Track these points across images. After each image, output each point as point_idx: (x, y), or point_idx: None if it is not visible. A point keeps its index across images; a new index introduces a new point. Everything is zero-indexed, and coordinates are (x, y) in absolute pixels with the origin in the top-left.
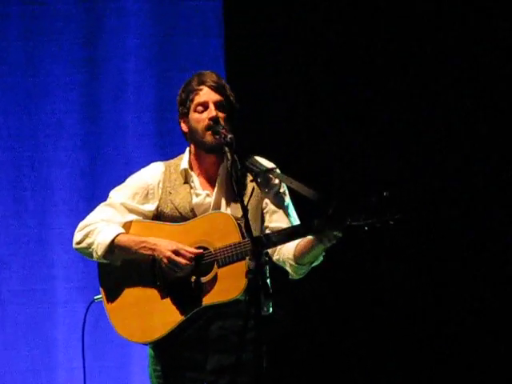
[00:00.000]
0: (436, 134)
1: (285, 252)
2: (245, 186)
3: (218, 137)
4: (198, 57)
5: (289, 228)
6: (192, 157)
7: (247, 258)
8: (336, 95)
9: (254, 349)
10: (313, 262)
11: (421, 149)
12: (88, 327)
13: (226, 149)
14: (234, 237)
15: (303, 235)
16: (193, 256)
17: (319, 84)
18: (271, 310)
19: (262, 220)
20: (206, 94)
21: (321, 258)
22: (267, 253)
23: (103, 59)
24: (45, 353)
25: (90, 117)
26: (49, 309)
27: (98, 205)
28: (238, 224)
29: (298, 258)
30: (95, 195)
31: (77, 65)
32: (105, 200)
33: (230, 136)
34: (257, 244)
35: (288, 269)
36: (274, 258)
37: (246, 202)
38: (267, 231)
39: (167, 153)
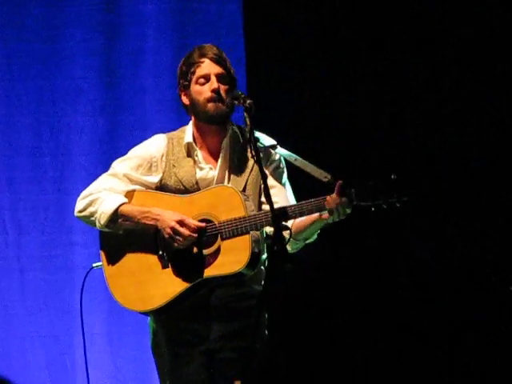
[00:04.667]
0: (444, 121)
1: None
2: (246, 161)
3: (237, 101)
4: (215, 23)
5: (301, 204)
6: (194, 129)
7: (251, 232)
8: (350, 75)
9: (259, 314)
10: (307, 239)
11: (428, 134)
12: (107, 293)
13: (245, 114)
14: (239, 211)
15: (315, 211)
16: (196, 228)
17: (337, 56)
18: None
19: (260, 195)
20: (208, 67)
21: (315, 236)
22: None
23: (122, 25)
24: (64, 318)
25: (108, 82)
26: (68, 274)
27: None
28: (243, 198)
29: (295, 232)
30: (114, 160)
31: (95, 30)
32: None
33: (248, 101)
34: (276, 211)
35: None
36: (268, 230)
37: (246, 177)
38: (263, 206)
39: (186, 117)
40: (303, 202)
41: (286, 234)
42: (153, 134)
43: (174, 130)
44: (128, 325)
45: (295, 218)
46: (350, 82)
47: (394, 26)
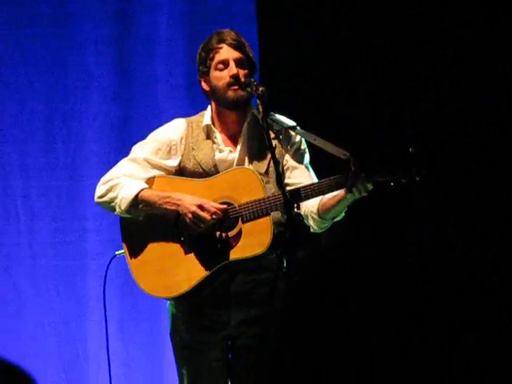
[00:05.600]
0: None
1: (308, 206)
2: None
3: (249, 89)
4: (228, 10)
5: (320, 182)
6: (214, 114)
7: (272, 213)
8: (364, 49)
9: (281, 300)
10: (335, 218)
11: (428, 134)
12: (119, 280)
13: (258, 101)
14: (259, 193)
15: (334, 189)
16: (217, 211)
17: (349, 39)
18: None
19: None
20: (226, 52)
21: (342, 214)
22: (298, 206)
23: (134, 12)
24: (76, 304)
25: (120, 69)
26: (80, 261)
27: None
28: (262, 180)
29: (322, 212)
30: (126, 147)
31: (108, 17)
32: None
33: (261, 88)
34: (289, 197)
35: (310, 222)
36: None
37: (268, 160)
38: (288, 188)
39: (198, 104)
40: (316, 181)
41: (313, 214)
42: (165, 121)
43: (187, 116)
44: (140, 312)
45: (309, 198)
46: (364, 69)
47: (394, 26)
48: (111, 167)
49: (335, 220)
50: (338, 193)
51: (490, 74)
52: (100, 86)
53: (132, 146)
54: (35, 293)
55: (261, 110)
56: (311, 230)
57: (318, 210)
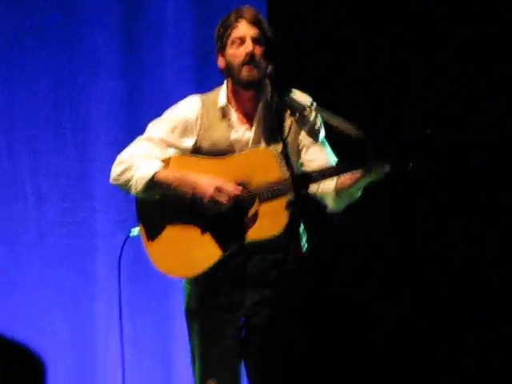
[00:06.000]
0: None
1: (325, 185)
2: (283, 121)
3: (257, 69)
4: None
5: (337, 166)
6: (229, 92)
7: (288, 194)
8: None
9: (292, 281)
10: (353, 196)
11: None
12: (128, 259)
13: (267, 80)
14: (276, 173)
15: (351, 172)
16: (234, 193)
17: (349, 39)
18: (306, 246)
19: (298, 155)
20: (243, 29)
21: (359, 193)
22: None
23: None
24: (84, 285)
25: (129, 52)
26: (89, 240)
27: (137, 137)
28: (278, 160)
29: (340, 190)
30: (135, 127)
31: (116, 1)
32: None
33: (270, 67)
34: (298, 178)
35: (328, 201)
36: (313, 189)
37: (285, 136)
38: (304, 166)
39: (206, 86)
40: (333, 165)
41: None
42: (172, 103)
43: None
44: (149, 291)
45: (326, 178)
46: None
47: (394, 26)
48: (120, 148)
49: (353, 198)
50: (355, 173)
51: (490, 74)
52: (108, 67)
53: (140, 127)
54: (43, 273)
55: (270, 89)
56: (327, 210)
57: (336, 189)
